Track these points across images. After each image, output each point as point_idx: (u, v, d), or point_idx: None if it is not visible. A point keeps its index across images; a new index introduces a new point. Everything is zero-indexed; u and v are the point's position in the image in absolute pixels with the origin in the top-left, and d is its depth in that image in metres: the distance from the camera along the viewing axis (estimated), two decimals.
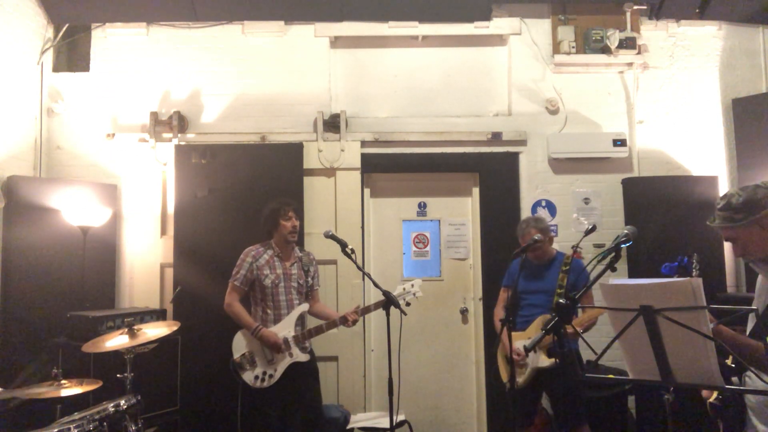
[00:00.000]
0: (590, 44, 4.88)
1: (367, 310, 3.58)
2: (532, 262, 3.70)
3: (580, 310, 3.40)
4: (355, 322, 3.57)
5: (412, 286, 3.58)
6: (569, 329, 3.28)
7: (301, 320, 3.68)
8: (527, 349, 3.26)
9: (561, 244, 4.50)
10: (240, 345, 3.60)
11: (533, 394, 3.62)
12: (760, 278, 2.15)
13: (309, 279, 3.76)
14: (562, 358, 2.22)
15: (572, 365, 3.41)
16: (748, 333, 2.10)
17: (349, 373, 4.64)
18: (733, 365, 2.05)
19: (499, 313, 3.85)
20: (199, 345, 4.29)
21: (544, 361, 3.43)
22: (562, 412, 3.51)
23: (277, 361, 3.53)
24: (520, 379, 3.52)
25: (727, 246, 4.71)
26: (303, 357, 3.60)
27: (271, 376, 3.52)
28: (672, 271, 3.34)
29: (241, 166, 4.63)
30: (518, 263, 3.77)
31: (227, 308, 3.63)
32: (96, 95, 4.89)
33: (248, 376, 3.52)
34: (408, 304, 3.54)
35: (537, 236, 3.56)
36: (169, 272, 4.66)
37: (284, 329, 3.58)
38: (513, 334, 3.56)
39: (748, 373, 1.99)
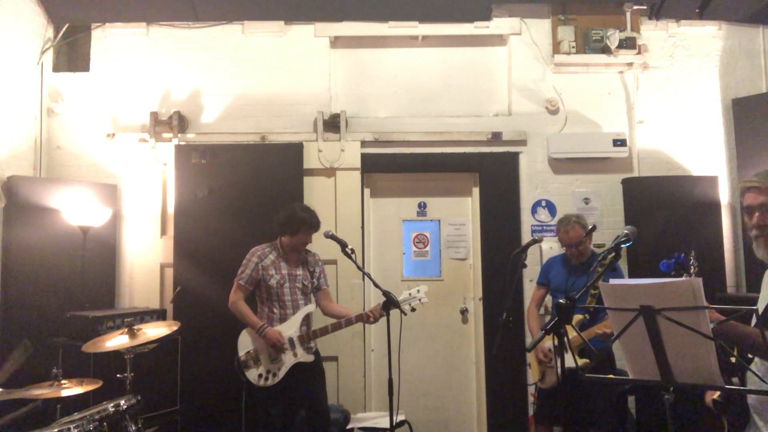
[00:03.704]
0: (590, 44, 4.88)
1: (395, 306, 3.46)
2: (570, 261, 3.70)
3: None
4: (377, 318, 3.50)
5: (418, 291, 3.56)
6: (599, 330, 3.29)
7: (306, 321, 3.69)
8: (528, 349, 3.26)
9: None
10: (245, 343, 3.61)
11: (564, 396, 3.59)
12: None
13: (314, 280, 3.77)
14: (563, 359, 2.22)
15: (602, 366, 3.38)
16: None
17: (349, 373, 4.64)
18: (735, 361, 2.04)
19: (533, 311, 3.87)
20: (199, 345, 4.29)
21: (577, 361, 3.40)
22: (586, 414, 3.46)
23: (282, 360, 3.54)
24: (552, 378, 3.50)
25: (728, 246, 4.75)
26: (307, 357, 3.61)
27: (275, 375, 3.53)
28: (669, 268, 3.34)
29: (241, 166, 4.63)
30: (554, 260, 3.79)
31: (232, 306, 3.64)
32: (96, 95, 4.89)
33: (252, 375, 3.53)
34: (413, 310, 3.53)
35: (537, 236, 3.58)
36: (169, 272, 4.66)
37: (289, 329, 3.59)
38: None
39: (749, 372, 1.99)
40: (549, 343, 3.45)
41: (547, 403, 3.61)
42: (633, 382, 3.57)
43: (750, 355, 2.01)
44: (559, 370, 3.38)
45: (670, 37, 5.03)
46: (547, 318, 4.30)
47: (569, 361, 3.38)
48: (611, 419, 3.48)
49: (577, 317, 3.41)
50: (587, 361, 3.29)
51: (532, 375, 3.71)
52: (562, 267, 3.75)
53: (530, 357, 3.73)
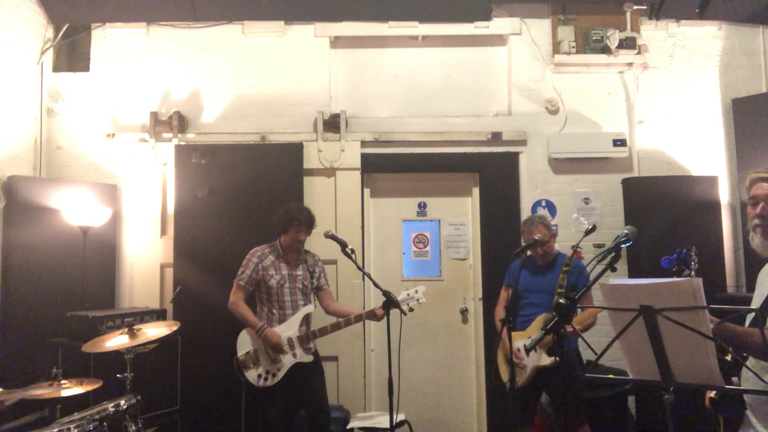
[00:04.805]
0: (590, 44, 4.88)
1: (395, 305, 3.42)
2: (536, 261, 3.71)
3: (578, 309, 3.41)
4: (383, 316, 3.41)
5: (416, 291, 3.56)
6: (567, 328, 3.28)
7: (306, 321, 3.69)
8: (528, 349, 3.26)
9: (561, 244, 4.48)
10: (245, 343, 3.61)
11: (533, 394, 3.62)
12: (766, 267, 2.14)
13: (314, 280, 3.77)
14: (561, 357, 2.23)
15: (571, 364, 3.42)
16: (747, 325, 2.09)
17: (349, 373, 4.64)
18: (731, 359, 2.04)
19: (500, 312, 3.85)
20: (199, 345, 4.29)
21: (545, 359, 3.42)
22: (562, 411, 3.50)
23: (281, 360, 3.54)
24: (521, 379, 3.51)
25: (728, 246, 4.75)
26: (307, 358, 3.61)
27: (274, 375, 3.53)
28: (671, 264, 3.33)
29: (241, 166, 4.63)
30: (519, 262, 3.78)
31: (231, 307, 3.64)
32: (96, 95, 4.89)
33: (252, 375, 3.53)
34: (411, 310, 3.53)
35: (538, 236, 3.57)
36: (169, 272, 4.66)
37: (289, 330, 3.59)
38: (513, 333, 3.56)
39: (743, 369, 1.99)
40: (518, 342, 3.45)
41: (521, 406, 3.58)
42: (633, 382, 3.60)
43: (745, 354, 2.01)
44: (529, 367, 3.44)
45: (670, 37, 5.03)
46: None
47: (541, 360, 3.41)
48: (584, 418, 3.49)
49: (546, 315, 3.43)
50: (557, 359, 3.30)
51: (501, 376, 3.68)
52: (527, 268, 3.73)
53: (499, 358, 3.69)
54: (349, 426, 4.06)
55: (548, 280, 3.62)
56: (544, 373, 3.45)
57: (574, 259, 3.61)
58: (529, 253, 3.66)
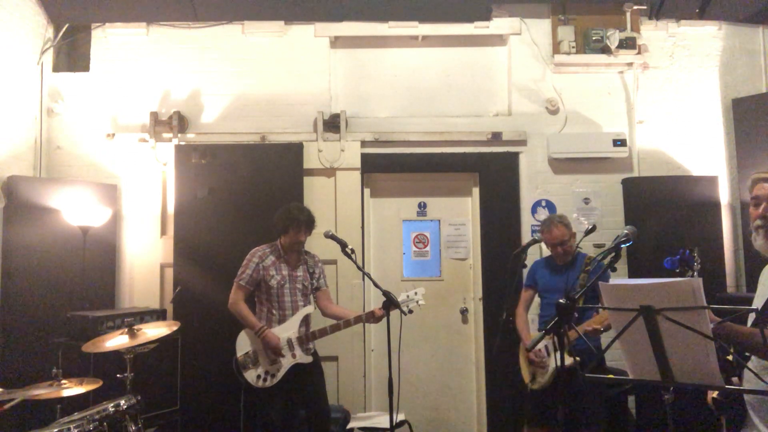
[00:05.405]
0: (590, 44, 4.87)
1: (395, 306, 3.43)
2: (555, 262, 3.71)
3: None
4: (381, 317, 3.44)
5: (416, 293, 3.56)
6: (588, 327, 3.28)
7: (305, 322, 3.69)
8: (528, 349, 3.26)
9: None
10: (244, 344, 3.61)
11: (554, 395, 3.59)
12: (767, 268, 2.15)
13: (314, 281, 3.77)
14: (563, 359, 2.22)
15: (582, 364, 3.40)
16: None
17: (349, 373, 4.64)
18: (732, 359, 2.05)
19: (520, 313, 3.87)
20: (199, 345, 4.29)
21: (565, 360, 3.39)
22: (578, 413, 3.46)
23: (280, 361, 3.54)
24: (543, 379, 3.50)
25: (728, 246, 4.75)
26: (306, 358, 3.61)
27: (273, 376, 3.53)
28: (674, 265, 3.33)
29: (241, 166, 4.63)
30: (539, 262, 3.78)
31: (231, 307, 3.63)
32: (96, 95, 4.89)
33: (251, 375, 3.53)
34: (410, 311, 3.53)
35: (537, 236, 3.57)
36: (169, 272, 4.66)
37: (288, 330, 3.59)
38: (533, 334, 3.57)
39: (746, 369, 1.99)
40: (542, 343, 3.45)
41: (538, 404, 3.59)
42: (633, 382, 3.59)
43: (747, 354, 2.02)
44: (551, 367, 3.43)
45: (670, 37, 5.03)
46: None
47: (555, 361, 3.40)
48: (603, 419, 3.47)
49: None
50: (577, 359, 3.29)
51: (524, 377, 3.69)
52: (547, 268, 3.76)
53: (521, 359, 3.70)
54: (349, 426, 4.06)
55: (568, 279, 3.58)
56: (565, 373, 3.42)
57: (594, 258, 3.60)
58: (551, 253, 3.67)
